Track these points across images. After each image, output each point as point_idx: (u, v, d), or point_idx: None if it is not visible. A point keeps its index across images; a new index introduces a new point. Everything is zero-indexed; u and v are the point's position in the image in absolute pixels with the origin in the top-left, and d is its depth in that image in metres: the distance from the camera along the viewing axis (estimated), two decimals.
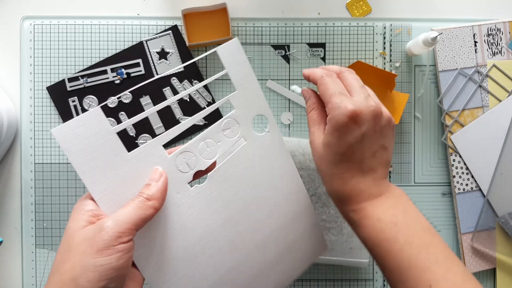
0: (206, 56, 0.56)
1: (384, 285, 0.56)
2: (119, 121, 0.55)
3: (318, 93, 0.42)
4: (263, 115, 0.41)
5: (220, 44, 0.56)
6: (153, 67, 0.55)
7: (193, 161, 0.37)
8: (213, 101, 0.56)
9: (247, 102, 0.39)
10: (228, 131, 0.39)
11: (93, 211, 0.33)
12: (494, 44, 0.56)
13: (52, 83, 0.55)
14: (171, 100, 0.37)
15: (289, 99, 0.56)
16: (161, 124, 0.55)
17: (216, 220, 0.39)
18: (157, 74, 0.55)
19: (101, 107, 0.35)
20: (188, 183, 0.37)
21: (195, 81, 0.56)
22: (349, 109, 0.36)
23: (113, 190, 0.34)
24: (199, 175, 0.38)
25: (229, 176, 0.39)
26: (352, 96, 0.38)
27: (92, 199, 0.34)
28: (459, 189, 0.56)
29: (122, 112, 0.55)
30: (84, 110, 0.55)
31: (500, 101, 0.56)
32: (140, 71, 0.55)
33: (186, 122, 0.37)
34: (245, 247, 0.40)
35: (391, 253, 0.36)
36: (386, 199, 0.39)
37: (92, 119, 0.34)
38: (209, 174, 0.38)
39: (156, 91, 0.55)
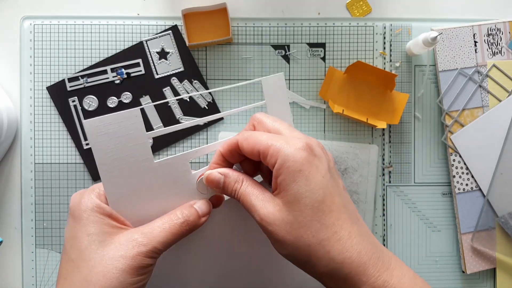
0: (206, 55, 0.56)
1: None
2: None
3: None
4: None
5: (220, 44, 0.56)
6: (153, 67, 0.55)
7: None
8: (213, 102, 0.56)
9: None
10: None
11: (112, 215, 0.32)
12: (494, 44, 0.56)
13: (52, 83, 0.55)
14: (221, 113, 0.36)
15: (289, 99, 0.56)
16: (161, 124, 0.55)
17: (221, 244, 0.38)
18: (157, 74, 0.55)
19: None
20: None
21: (195, 81, 0.56)
22: (301, 143, 0.29)
23: (129, 195, 0.32)
24: (214, 201, 0.36)
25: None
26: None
27: (103, 201, 0.32)
28: (459, 189, 0.56)
29: None
30: (84, 110, 0.55)
31: (500, 101, 0.56)
32: (140, 71, 0.55)
33: (215, 144, 0.36)
34: (240, 274, 0.39)
35: None
36: (397, 262, 0.29)
37: (129, 119, 0.31)
38: (226, 199, 0.37)
39: (156, 91, 0.55)
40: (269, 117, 0.33)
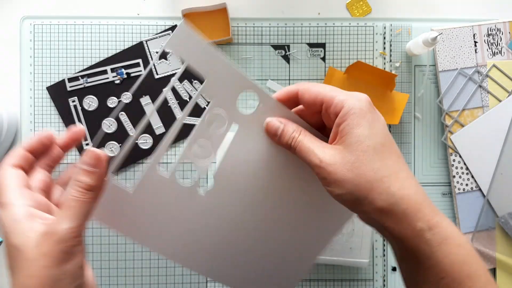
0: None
1: (384, 285, 0.56)
2: (119, 121, 0.55)
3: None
4: (249, 91, 0.35)
5: (220, 44, 0.56)
6: (153, 67, 0.55)
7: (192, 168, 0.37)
8: None
9: (223, 85, 0.35)
10: (214, 124, 0.37)
11: (31, 209, 0.30)
12: (494, 44, 0.56)
13: (52, 83, 0.55)
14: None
15: None
16: (161, 124, 0.55)
17: (230, 221, 0.38)
18: (157, 74, 0.55)
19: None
20: (198, 188, 0.37)
21: (195, 81, 0.56)
22: (363, 96, 0.31)
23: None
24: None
25: (235, 169, 0.37)
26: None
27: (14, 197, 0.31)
28: (459, 189, 0.56)
29: (122, 112, 0.55)
30: (84, 110, 0.55)
31: (500, 101, 0.56)
32: (140, 71, 0.55)
33: (171, 134, 0.36)
34: (266, 227, 0.39)
35: None
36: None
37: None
38: (214, 175, 0.37)
39: (156, 91, 0.55)
40: (315, 84, 0.33)
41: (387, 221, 0.29)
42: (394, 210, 0.29)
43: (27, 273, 0.29)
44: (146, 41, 0.55)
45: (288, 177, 0.39)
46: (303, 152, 0.32)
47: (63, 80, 0.55)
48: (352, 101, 0.30)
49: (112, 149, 0.55)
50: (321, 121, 0.34)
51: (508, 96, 0.56)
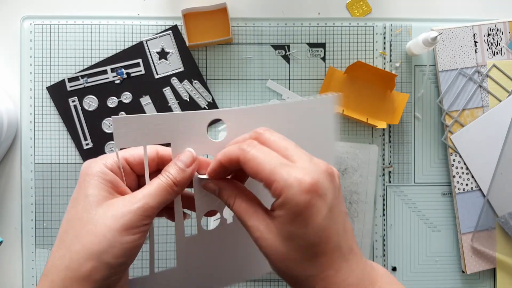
0: (206, 55, 0.56)
1: None
2: None
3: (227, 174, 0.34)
4: (208, 120, 0.34)
5: (220, 44, 0.56)
6: (153, 67, 0.55)
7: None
8: (213, 101, 0.56)
9: (187, 133, 0.34)
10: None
11: (113, 182, 0.32)
12: (494, 44, 0.56)
13: (52, 83, 0.55)
14: None
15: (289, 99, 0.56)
16: None
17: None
18: (157, 74, 0.56)
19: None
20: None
21: (195, 81, 0.56)
22: (307, 182, 0.27)
23: None
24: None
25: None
26: (294, 162, 0.29)
27: (108, 168, 0.33)
28: (459, 189, 0.56)
29: (122, 112, 0.55)
30: (84, 110, 0.55)
31: (500, 101, 0.56)
32: (140, 71, 0.55)
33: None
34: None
35: None
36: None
37: None
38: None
39: (156, 91, 0.55)
40: (274, 133, 0.31)
41: None
42: None
43: (88, 228, 0.30)
44: (146, 41, 0.55)
45: None
46: (241, 223, 0.31)
47: (63, 80, 0.55)
48: (291, 193, 0.27)
49: (112, 149, 0.55)
50: None
51: (508, 96, 0.56)
